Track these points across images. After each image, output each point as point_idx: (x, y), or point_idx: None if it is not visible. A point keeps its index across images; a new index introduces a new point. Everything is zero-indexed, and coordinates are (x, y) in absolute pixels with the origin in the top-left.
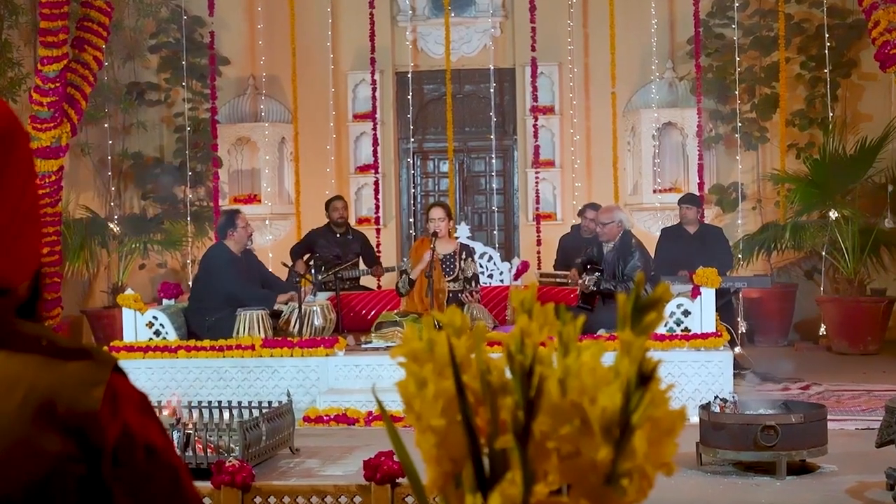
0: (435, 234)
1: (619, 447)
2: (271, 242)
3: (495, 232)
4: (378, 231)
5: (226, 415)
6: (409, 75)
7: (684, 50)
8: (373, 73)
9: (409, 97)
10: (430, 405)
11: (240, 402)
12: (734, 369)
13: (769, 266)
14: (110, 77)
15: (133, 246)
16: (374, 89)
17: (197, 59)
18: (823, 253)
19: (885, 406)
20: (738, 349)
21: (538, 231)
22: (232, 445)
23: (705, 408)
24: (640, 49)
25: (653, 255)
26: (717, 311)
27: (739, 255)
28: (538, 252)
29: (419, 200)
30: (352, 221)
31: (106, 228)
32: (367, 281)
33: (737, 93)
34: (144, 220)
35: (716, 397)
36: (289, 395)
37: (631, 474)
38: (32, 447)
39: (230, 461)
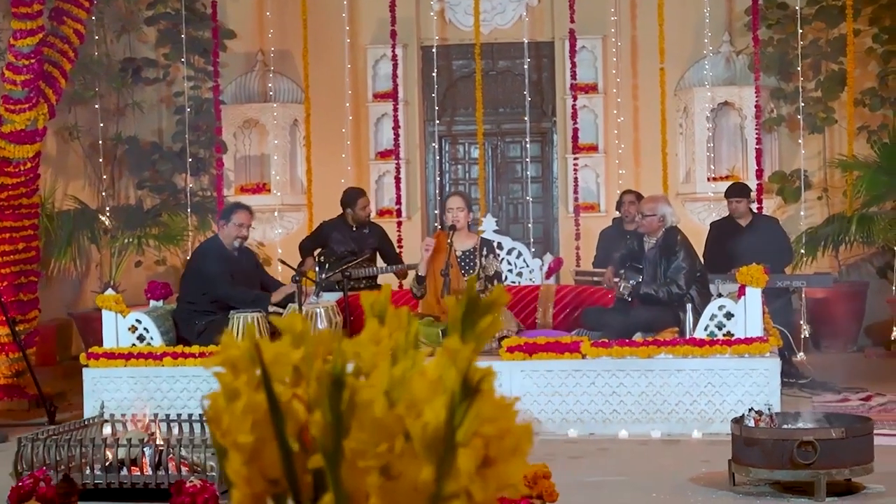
0: (453, 228)
1: (443, 467)
2: (281, 236)
3: (530, 225)
4: (399, 224)
5: (207, 428)
6: (434, 50)
7: (742, 21)
8: (393, 48)
9: (435, 74)
10: (239, 420)
11: None
12: (795, 378)
13: (837, 262)
14: (101, 52)
15: (126, 241)
16: (394, 65)
17: (199, 32)
18: (895, 248)
19: None
20: (801, 355)
21: (577, 224)
22: (211, 464)
23: (738, 421)
24: (694, 20)
25: (701, 252)
26: (773, 313)
27: (802, 251)
28: (577, 247)
29: (447, 189)
30: (372, 214)
31: (96, 221)
32: (386, 280)
33: (799, 69)
34: (140, 211)
35: (750, 409)
36: None
37: (458, 497)
38: None
39: (191, 481)
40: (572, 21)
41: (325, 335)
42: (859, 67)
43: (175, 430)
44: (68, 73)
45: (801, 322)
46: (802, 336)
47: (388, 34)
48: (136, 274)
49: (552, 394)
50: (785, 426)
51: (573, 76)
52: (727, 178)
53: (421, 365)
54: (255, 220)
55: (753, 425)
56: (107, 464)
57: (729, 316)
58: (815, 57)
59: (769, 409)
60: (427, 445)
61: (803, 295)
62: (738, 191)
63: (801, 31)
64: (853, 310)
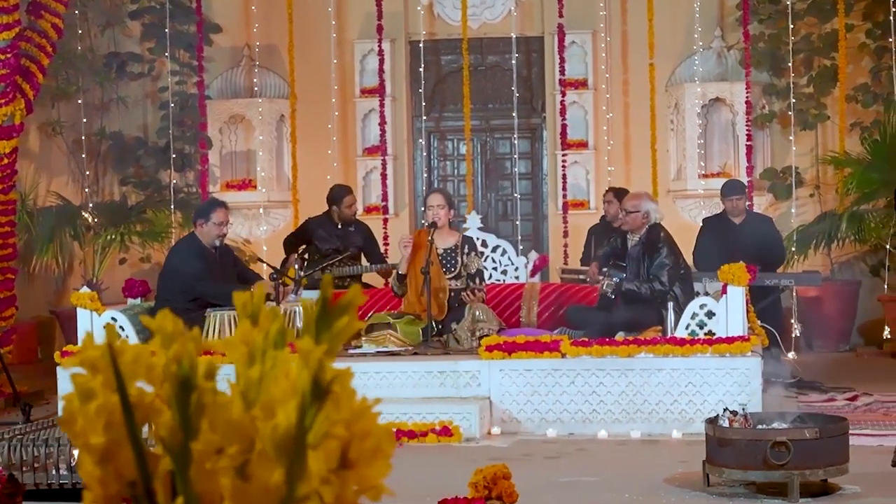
0: (434, 225)
1: (294, 469)
2: (267, 233)
3: (517, 222)
4: (385, 221)
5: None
6: (421, 45)
7: (734, 16)
8: (380, 43)
9: (423, 69)
10: (92, 421)
11: None
12: (784, 378)
13: (829, 260)
14: (85, 47)
15: (109, 237)
16: (381, 61)
17: (184, 26)
18: (888, 246)
19: None
20: (791, 355)
21: (565, 221)
22: None
23: (712, 422)
24: (685, 15)
25: (693, 248)
26: (761, 312)
27: (793, 248)
28: (565, 245)
29: (436, 185)
30: (359, 210)
31: (78, 217)
32: (371, 278)
33: (790, 65)
34: (124, 208)
35: (725, 410)
36: None
37: (310, 499)
38: None
39: None
40: (561, 16)
41: (192, 336)
42: (852, 63)
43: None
44: (46, 68)
45: (792, 321)
46: (793, 335)
47: (375, 29)
48: (121, 271)
49: (531, 393)
50: (759, 426)
51: (562, 71)
52: (718, 174)
53: (284, 366)
54: (239, 216)
55: (728, 425)
56: (72, 463)
57: (710, 315)
58: (807, 52)
59: (743, 410)
60: (277, 447)
61: (794, 294)
62: (738, 188)
63: (792, 26)
64: (845, 309)
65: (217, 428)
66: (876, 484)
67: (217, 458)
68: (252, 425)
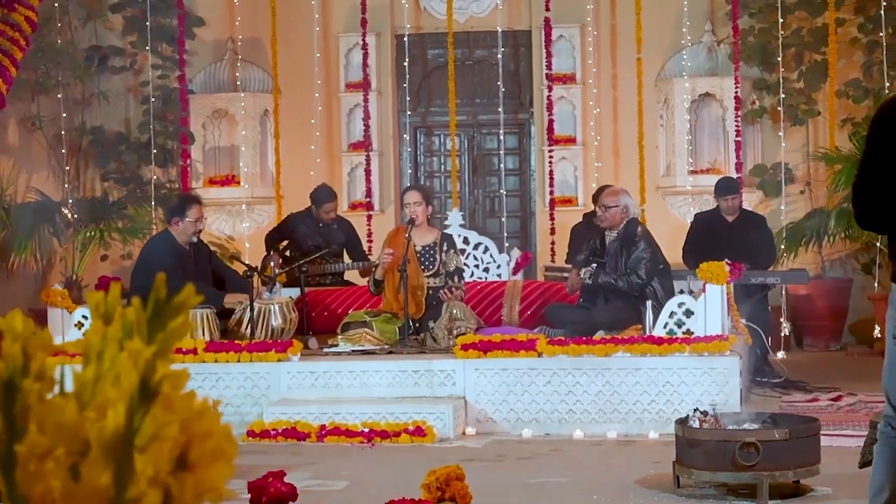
0: (412, 222)
1: (121, 470)
2: (250, 230)
3: (504, 219)
4: (369, 217)
5: None
6: (406, 38)
7: (724, 10)
8: (364, 36)
9: (407, 64)
10: None
11: None
12: (769, 378)
13: (820, 258)
14: (66, 40)
15: (88, 234)
16: (364, 55)
17: (167, 19)
18: (878, 244)
19: (870, 421)
20: (779, 354)
21: (552, 218)
22: None
23: (682, 422)
24: (675, 9)
25: (683, 244)
26: (747, 310)
27: (782, 246)
28: (552, 242)
29: (423, 181)
30: (344, 207)
31: (57, 213)
32: (354, 276)
33: (780, 59)
34: (105, 204)
35: (695, 410)
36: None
37: (139, 502)
38: None
39: None
40: (548, 9)
41: (41, 337)
42: (844, 58)
43: None
44: (19, 63)
45: (782, 320)
46: (782, 334)
47: (360, 22)
48: (103, 268)
49: (507, 393)
50: (730, 427)
51: (549, 66)
52: (708, 171)
53: (121, 367)
54: (222, 212)
55: (698, 426)
56: None
57: (689, 313)
58: (797, 47)
59: (714, 410)
60: (105, 449)
61: (784, 292)
62: (732, 188)
63: (782, 20)
64: (836, 307)
65: (46, 429)
66: (848, 485)
67: (45, 459)
68: (82, 427)
